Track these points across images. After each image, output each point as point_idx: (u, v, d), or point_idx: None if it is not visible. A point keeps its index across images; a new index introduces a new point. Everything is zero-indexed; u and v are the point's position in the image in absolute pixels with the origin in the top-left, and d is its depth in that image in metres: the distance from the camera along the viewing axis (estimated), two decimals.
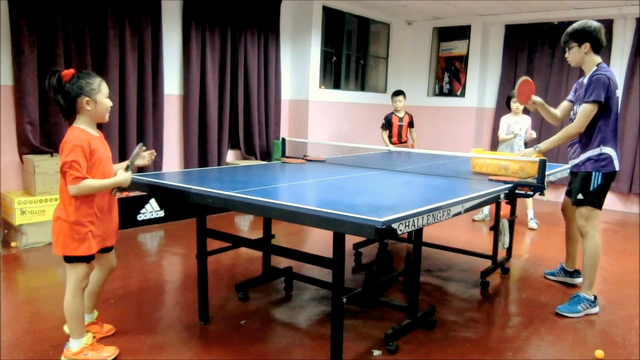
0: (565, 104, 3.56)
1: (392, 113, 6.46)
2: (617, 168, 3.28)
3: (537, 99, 3.54)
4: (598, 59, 3.28)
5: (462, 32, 8.23)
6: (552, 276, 4.01)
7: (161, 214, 5.36)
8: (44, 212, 4.45)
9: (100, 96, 2.41)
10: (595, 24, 3.24)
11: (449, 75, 8.51)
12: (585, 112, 3.19)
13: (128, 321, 3.00)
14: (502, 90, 7.79)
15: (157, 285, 3.67)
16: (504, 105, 5.80)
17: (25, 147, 4.59)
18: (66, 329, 2.68)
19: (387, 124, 6.46)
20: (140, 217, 5.18)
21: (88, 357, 2.49)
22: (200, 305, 3.03)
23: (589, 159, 3.28)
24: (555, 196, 7.51)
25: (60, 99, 2.36)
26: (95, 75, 2.43)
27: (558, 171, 3.91)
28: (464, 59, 8.25)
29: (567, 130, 3.31)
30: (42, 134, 4.69)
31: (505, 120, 5.72)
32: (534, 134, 5.63)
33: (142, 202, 5.18)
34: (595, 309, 3.37)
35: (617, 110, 3.27)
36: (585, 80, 3.30)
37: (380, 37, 8.40)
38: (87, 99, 2.38)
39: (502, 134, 5.70)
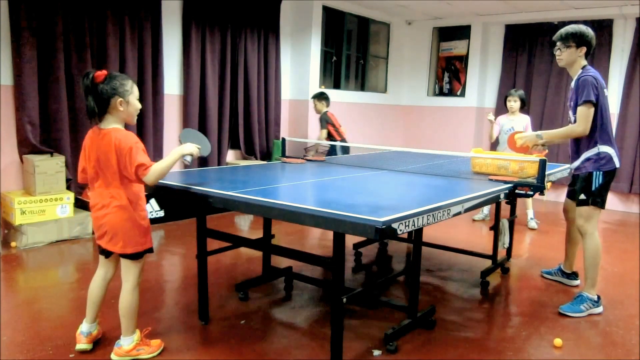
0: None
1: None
2: (617, 165, 3.31)
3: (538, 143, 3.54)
4: (585, 62, 3.37)
5: (462, 32, 8.23)
6: (549, 275, 4.02)
7: (161, 214, 5.35)
8: (44, 212, 4.45)
9: (132, 97, 2.42)
10: (592, 32, 3.35)
11: (449, 75, 8.51)
12: (583, 113, 3.22)
13: None
14: (502, 90, 7.78)
15: (157, 285, 3.67)
16: (503, 105, 5.80)
17: (25, 147, 4.59)
18: (81, 345, 2.63)
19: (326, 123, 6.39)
20: None
21: (141, 352, 2.56)
22: (200, 305, 3.03)
23: (588, 159, 3.31)
24: (555, 196, 7.51)
25: (92, 101, 2.34)
26: (128, 77, 2.44)
27: (558, 171, 3.91)
28: (464, 59, 8.25)
29: (570, 129, 3.32)
30: (42, 134, 4.69)
31: (498, 120, 5.72)
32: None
33: None
34: (599, 309, 3.36)
35: (608, 108, 3.33)
36: (572, 84, 3.37)
37: (380, 37, 8.40)
38: (120, 99, 2.37)
39: (493, 135, 5.68)
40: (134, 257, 2.51)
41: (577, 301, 3.36)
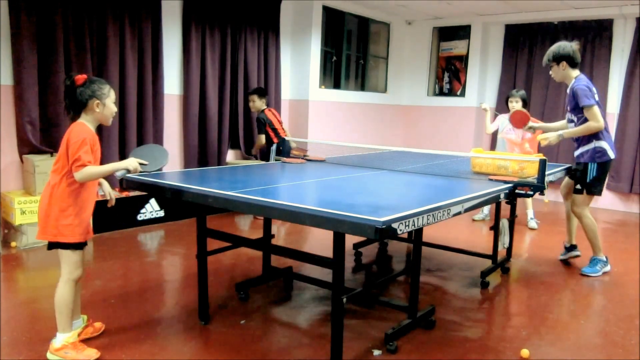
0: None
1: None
2: (612, 156, 3.85)
3: (534, 124, 4.13)
4: (576, 72, 3.85)
5: (462, 32, 8.22)
6: (563, 255, 4.45)
7: (161, 214, 5.36)
8: None
9: (108, 100, 2.57)
10: (568, 44, 3.82)
11: (449, 75, 8.51)
12: (590, 114, 3.73)
13: (128, 321, 3.00)
14: (502, 90, 7.78)
15: (157, 285, 3.67)
16: (504, 105, 5.80)
17: (25, 147, 4.59)
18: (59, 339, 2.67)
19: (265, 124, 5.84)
20: (140, 217, 5.18)
21: (68, 356, 2.51)
22: (200, 305, 3.03)
23: (585, 152, 3.87)
24: (556, 196, 7.50)
25: (70, 100, 2.51)
26: (106, 82, 2.60)
27: (558, 171, 3.92)
28: (464, 59, 8.25)
29: (588, 126, 3.75)
30: (42, 134, 4.69)
31: (499, 118, 5.74)
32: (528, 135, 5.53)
33: (142, 202, 5.18)
34: (608, 267, 4.13)
35: (601, 106, 3.81)
36: (568, 91, 3.87)
37: (380, 37, 8.40)
38: (97, 101, 2.52)
39: (490, 128, 5.72)
40: (49, 246, 2.55)
41: (593, 263, 4.07)
